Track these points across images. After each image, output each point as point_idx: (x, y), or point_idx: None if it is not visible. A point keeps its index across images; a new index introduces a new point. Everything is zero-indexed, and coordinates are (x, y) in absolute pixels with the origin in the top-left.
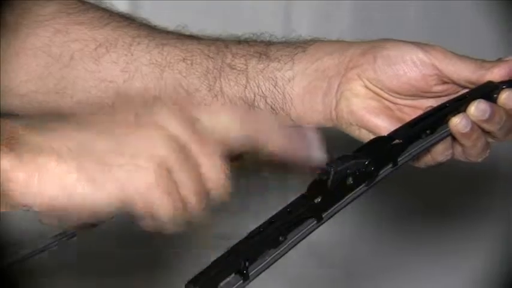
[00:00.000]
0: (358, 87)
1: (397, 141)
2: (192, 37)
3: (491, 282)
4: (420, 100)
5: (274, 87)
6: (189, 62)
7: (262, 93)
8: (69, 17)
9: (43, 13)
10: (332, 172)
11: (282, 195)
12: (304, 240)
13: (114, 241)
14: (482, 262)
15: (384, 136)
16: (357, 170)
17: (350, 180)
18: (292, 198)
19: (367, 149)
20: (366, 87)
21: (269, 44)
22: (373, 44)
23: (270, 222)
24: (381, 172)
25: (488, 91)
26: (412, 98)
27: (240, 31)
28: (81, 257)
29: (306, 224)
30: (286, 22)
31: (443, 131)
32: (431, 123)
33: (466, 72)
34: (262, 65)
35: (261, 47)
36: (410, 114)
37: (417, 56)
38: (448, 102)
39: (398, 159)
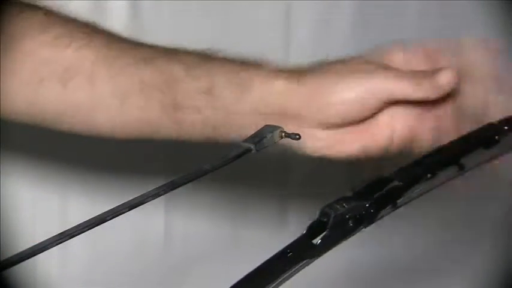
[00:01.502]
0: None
1: (396, 182)
2: (146, 60)
3: None
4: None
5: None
6: (146, 93)
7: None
8: (34, 39)
9: (14, 32)
10: (332, 215)
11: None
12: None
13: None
14: (482, 271)
15: (384, 177)
16: (357, 213)
17: (350, 223)
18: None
19: (367, 190)
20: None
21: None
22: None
23: (270, 262)
24: (380, 213)
25: (490, 134)
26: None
27: (239, 32)
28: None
29: (303, 262)
30: (286, 24)
31: (445, 176)
32: (431, 167)
33: (410, 92)
34: (210, 106)
35: (207, 82)
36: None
37: (357, 94)
38: (450, 143)
39: (398, 202)
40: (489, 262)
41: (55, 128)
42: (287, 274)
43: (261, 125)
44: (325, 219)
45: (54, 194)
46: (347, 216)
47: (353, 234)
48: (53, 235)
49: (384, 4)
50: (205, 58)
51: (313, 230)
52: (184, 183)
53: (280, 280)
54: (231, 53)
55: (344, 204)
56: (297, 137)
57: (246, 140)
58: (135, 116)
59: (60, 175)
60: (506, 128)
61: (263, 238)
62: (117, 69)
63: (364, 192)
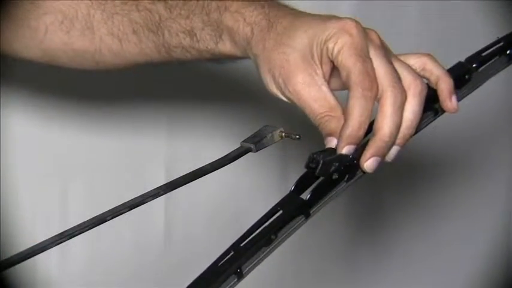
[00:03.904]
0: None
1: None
2: (134, 0)
3: (491, 282)
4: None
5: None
6: (139, 34)
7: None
8: None
9: None
10: (321, 162)
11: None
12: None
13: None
14: (481, 261)
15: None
16: (341, 165)
17: (335, 175)
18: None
19: None
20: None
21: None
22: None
23: (262, 221)
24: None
25: (460, 74)
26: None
27: None
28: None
29: (295, 220)
30: None
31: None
32: None
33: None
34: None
35: (186, 24)
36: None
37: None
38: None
39: None
40: (489, 261)
41: (70, 67)
42: (282, 233)
43: None
44: (313, 166)
45: (54, 194)
46: (333, 165)
47: (340, 190)
48: (53, 235)
49: (384, 4)
50: None
51: (301, 186)
52: (184, 183)
53: (278, 240)
54: None
55: (330, 154)
56: (297, 137)
57: (246, 140)
58: (135, 52)
59: (61, 175)
60: (474, 66)
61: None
62: (110, 11)
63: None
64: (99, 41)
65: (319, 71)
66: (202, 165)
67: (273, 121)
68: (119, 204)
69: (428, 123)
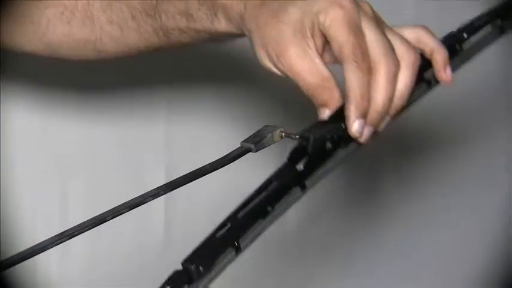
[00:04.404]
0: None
1: None
2: None
3: (491, 279)
4: None
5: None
6: (138, 19)
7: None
8: None
9: None
10: (311, 138)
11: None
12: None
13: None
14: (481, 260)
15: None
16: (335, 135)
17: (329, 145)
18: None
19: (340, 114)
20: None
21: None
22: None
23: (257, 193)
24: None
25: (451, 44)
26: None
27: None
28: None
29: (291, 193)
30: None
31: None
32: None
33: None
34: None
35: (182, 4)
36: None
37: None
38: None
39: None
40: (489, 261)
41: (72, 59)
42: (278, 205)
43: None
44: (305, 143)
45: (55, 193)
46: (326, 137)
47: (336, 162)
48: (53, 235)
49: (381, 2)
50: None
51: (295, 157)
52: (184, 183)
53: (273, 213)
54: None
55: (321, 128)
56: (297, 137)
57: (246, 140)
58: (135, 39)
59: (61, 175)
60: (465, 35)
61: (263, 236)
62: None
63: (338, 116)
64: (99, 30)
65: (311, 44)
66: (202, 165)
67: (274, 120)
68: (119, 204)
69: (422, 96)
